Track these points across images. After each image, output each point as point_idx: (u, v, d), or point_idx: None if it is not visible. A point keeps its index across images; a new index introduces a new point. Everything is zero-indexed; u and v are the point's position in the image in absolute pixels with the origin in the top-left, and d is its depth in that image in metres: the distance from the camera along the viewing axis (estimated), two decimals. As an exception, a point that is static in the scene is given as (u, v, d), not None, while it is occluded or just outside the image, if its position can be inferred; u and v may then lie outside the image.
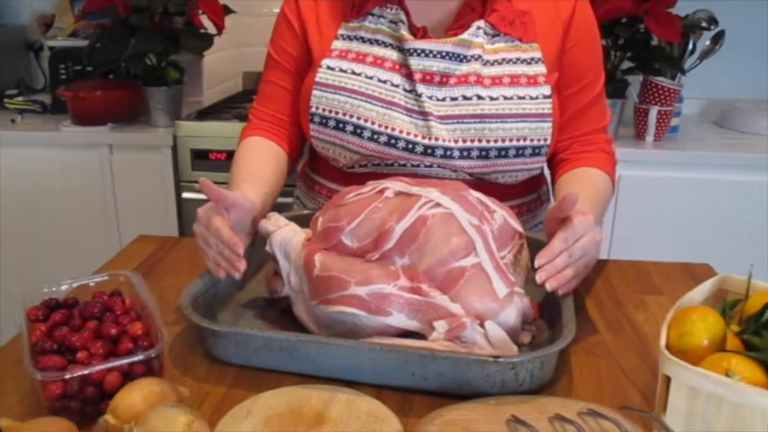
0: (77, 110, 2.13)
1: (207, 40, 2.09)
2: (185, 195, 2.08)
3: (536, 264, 0.81)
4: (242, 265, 0.85)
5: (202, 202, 2.16)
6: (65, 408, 0.66)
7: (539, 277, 0.80)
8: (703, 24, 2.16)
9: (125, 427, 0.58)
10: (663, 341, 0.65)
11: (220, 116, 2.14)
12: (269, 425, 0.64)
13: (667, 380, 0.63)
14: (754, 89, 2.47)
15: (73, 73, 2.36)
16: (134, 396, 0.62)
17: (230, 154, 1.99)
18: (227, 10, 2.14)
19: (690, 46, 2.14)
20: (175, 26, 2.09)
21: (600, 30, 1.93)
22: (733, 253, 1.92)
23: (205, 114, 2.16)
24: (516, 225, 0.86)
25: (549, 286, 0.80)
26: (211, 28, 2.14)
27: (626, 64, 2.06)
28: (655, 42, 2.01)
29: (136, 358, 0.68)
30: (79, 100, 2.12)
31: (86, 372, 0.66)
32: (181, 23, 2.10)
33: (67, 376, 0.65)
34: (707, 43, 2.18)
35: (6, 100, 2.42)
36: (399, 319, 0.76)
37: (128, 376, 0.68)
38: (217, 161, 2.03)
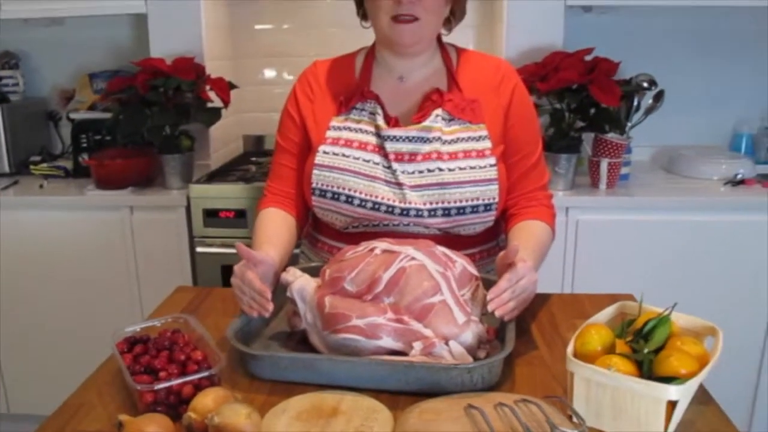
0: (101, 176, 2.39)
1: (215, 114, 2.39)
2: (198, 249, 2.31)
3: (488, 298, 1.10)
4: (271, 307, 1.13)
5: (213, 255, 2.45)
6: (155, 411, 0.93)
7: (489, 307, 1.09)
8: (645, 85, 2.49)
9: (208, 416, 0.85)
10: (570, 348, 0.95)
11: (226, 179, 2.39)
12: (300, 417, 0.92)
13: (572, 375, 0.92)
14: (695, 137, 2.81)
15: (94, 142, 2.63)
16: (207, 399, 0.91)
17: (237, 212, 2.29)
18: (231, 86, 2.45)
19: (636, 103, 2.46)
20: (186, 100, 2.39)
21: (553, 96, 2.26)
22: (677, 286, 2.21)
23: (213, 176, 2.42)
24: (473, 270, 1.15)
25: (497, 314, 1.09)
26: (216, 100, 2.44)
27: (579, 123, 2.37)
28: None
29: (204, 374, 0.96)
30: (102, 167, 2.39)
31: (170, 384, 0.94)
32: (190, 97, 2.40)
33: (157, 388, 0.93)
34: (650, 101, 2.50)
35: (32, 166, 2.69)
36: (388, 342, 1.04)
37: (198, 387, 0.96)
38: (227, 219, 2.28)
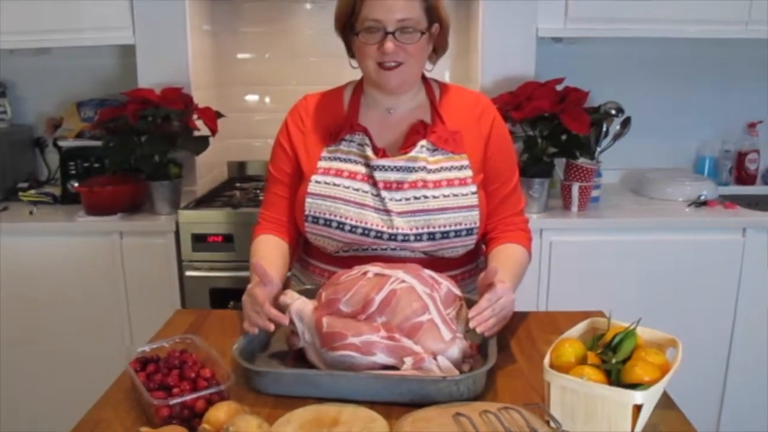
0: (91, 202, 2.45)
1: (204, 142, 2.47)
2: (187, 273, 2.38)
3: (469, 316, 1.21)
4: (285, 321, 1.21)
5: (201, 278, 2.51)
6: (170, 425, 1.02)
7: (471, 324, 1.19)
8: (613, 112, 2.63)
9: (223, 427, 0.94)
10: (546, 360, 1.05)
11: (213, 204, 2.47)
12: (304, 427, 1.01)
13: (549, 384, 1.03)
14: (661, 161, 2.95)
15: (82, 169, 2.69)
16: (219, 412, 0.99)
17: (225, 237, 2.37)
18: (219, 115, 2.54)
19: (604, 130, 2.60)
20: (174, 129, 2.46)
21: (526, 124, 2.38)
22: (645, 302, 2.33)
23: (200, 202, 2.50)
24: (457, 291, 1.25)
25: (478, 330, 1.20)
26: (203, 129, 2.52)
27: (551, 149, 2.50)
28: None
29: (215, 390, 1.05)
30: (92, 194, 2.45)
31: (185, 399, 1.02)
32: (178, 126, 2.47)
33: (172, 402, 1.02)
34: (618, 127, 2.64)
35: (20, 193, 2.74)
36: (381, 358, 1.14)
37: (209, 402, 1.04)
38: (215, 243, 2.35)
